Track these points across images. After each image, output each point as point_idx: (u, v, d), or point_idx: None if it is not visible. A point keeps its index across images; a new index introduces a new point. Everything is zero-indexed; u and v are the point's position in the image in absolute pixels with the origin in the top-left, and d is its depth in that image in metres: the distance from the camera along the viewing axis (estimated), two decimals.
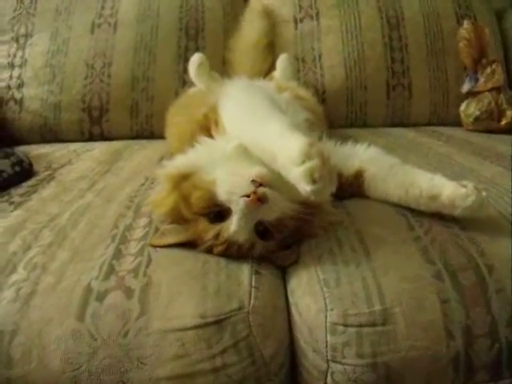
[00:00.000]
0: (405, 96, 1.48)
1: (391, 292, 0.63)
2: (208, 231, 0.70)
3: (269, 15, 1.51)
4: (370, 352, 0.60)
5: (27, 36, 1.52)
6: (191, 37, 1.49)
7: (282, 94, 1.02)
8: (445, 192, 0.72)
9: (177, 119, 1.15)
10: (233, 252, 0.70)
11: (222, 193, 0.69)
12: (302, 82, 1.45)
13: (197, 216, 0.72)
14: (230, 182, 0.70)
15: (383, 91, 1.47)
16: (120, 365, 0.59)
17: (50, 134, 1.46)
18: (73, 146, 1.35)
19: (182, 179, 0.75)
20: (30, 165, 1.13)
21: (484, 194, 0.71)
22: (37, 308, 0.63)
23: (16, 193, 0.99)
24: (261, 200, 0.67)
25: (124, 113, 1.44)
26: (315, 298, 0.65)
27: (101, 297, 0.64)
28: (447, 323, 0.61)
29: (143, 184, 0.99)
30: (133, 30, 1.48)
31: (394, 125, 1.49)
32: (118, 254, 0.72)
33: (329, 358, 0.62)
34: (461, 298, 0.63)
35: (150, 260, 0.70)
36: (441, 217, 0.75)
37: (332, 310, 0.62)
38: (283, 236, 0.71)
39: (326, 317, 0.62)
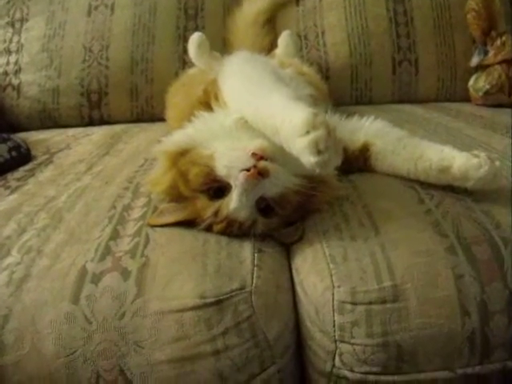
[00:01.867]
0: (411, 72, 1.43)
1: (402, 267, 0.59)
2: (207, 208, 0.67)
3: None
4: (380, 331, 0.57)
5: (23, 20, 1.50)
6: (190, 16, 1.45)
7: (285, 70, 0.98)
8: (456, 163, 0.68)
9: (176, 99, 1.12)
10: (233, 230, 0.67)
11: (221, 167, 0.66)
12: (305, 59, 1.40)
13: (195, 193, 0.69)
14: (229, 156, 0.66)
15: (389, 67, 1.42)
16: (116, 349, 0.56)
17: (49, 120, 1.44)
18: (72, 131, 1.33)
19: (180, 155, 0.72)
20: (28, 150, 1.10)
21: (497, 163, 0.67)
22: (30, 292, 0.61)
23: (12, 177, 0.97)
24: (262, 174, 0.63)
25: (123, 96, 1.42)
26: (321, 276, 0.61)
27: (96, 279, 0.61)
28: (462, 299, 0.57)
29: (142, 165, 0.96)
30: (130, 11, 1.44)
31: (400, 101, 1.44)
32: (115, 235, 0.69)
33: (337, 338, 0.58)
34: (476, 272, 0.59)
35: (147, 240, 0.67)
36: (452, 189, 0.72)
37: (339, 287, 0.59)
38: (286, 212, 0.68)
39: (332, 295, 0.59)
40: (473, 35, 1.41)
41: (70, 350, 0.56)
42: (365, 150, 0.80)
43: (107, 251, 0.66)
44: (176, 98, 1.14)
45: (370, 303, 0.57)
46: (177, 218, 0.71)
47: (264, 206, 0.66)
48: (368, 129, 0.83)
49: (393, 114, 1.27)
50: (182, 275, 0.60)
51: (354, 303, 0.58)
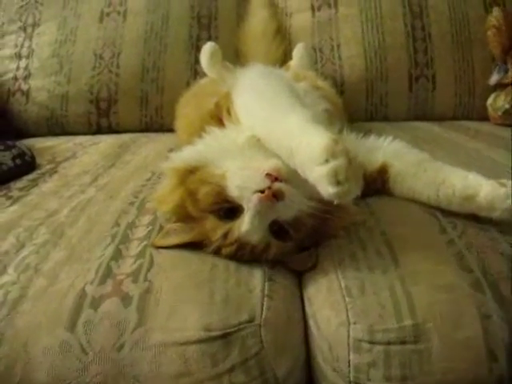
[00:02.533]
0: (428, 88, 1.39)
1: (423, 304, 0.55)
2: (217, 230, 0.63)
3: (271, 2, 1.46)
4: (399, 374, 0.52)
5: (34, 25, 1.49)
6: (203, 26, 1.43)
7: (300, 83, 0.94)
8: (482, 192, 0.65)
9: (187, 110, 1.08)
10: (244, 254, 0.63)
11: (233, 188, 0.62)
12: (320, 73, 1.37)
13: (205, 213, 0.66)
14: (241, 176, 0.63)
15: (405, 83, 1.39)
16: (113, 383, 0.52)
17: (57, 127, 1.42)
18: (79, 139, 1.30)
19: (189, 173, 0.68)
20: (33, 158, 1.08)
21: None
22: (25, 314, 0.57)
23: (15, 187, 0.94)
24: (276, 196, 0.60)
25: (133, 104, 1.39)
26: (336, 310, 0.57)
27: (95, 304, 0.57)
28: (488, 342, 0.52)
29: (149, 179, 0.92)
30: (143, 19, 1.42)
31: (416, 118, 1.41)
32: (117, 255, 0.66)
33: (351, 379, 0.54)
34: (503, 312, 0.54)
35: (151, 262, 0.64)
36: (475, 218, 0.67)
37: (355, 323, 0.54)
38: (300, 236, 0.64)
39: (348, 331, 0.54)
40: (492, 52, 1.37)
41: (64, 381, 0.52)
42: (383, 171, 0.76)
43: (108, 273, 0.62)
44: (186, 108, 1.10)
45: (389, 343, 0.53)
46: (183, 239, 0.67)
47: (277, 229, 0.63)
48: (386, 149, 0.79)
49: (409, 131, 1.23)
50: (187, 304, 0.56)
51: (371, 342, 0.53)
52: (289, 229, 0.63)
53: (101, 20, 1.43)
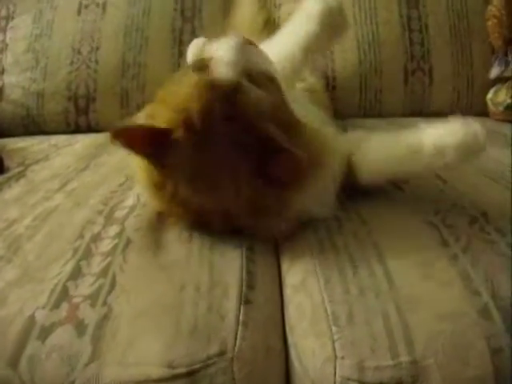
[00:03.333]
0: (425, 82, 1.32)
1: (423, 336, 0.47)
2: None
3: None
4: None
5: (8, 18, 1.41)
6: (187, 18, 1.34)
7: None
8: (429, 138, 0.62)
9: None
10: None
11: None
12: (310, 68, 1.29)
13: None
14: None
15: (400, 77, 1.31)
16: None
17: (33, 126, 1.33)
18: (55, 139, 1.22)
19: None
20: (1, 160, 1.00)
21: (476, 125, 0.60)
22: None
23: None
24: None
25: (113, 102, 1.31)
26: (321, 340, 0.49)
27: (45, 333, 0.50)
28: (500, 381, 0.45)
29: (122, 184, 0.84)
30: (123, 11, 1.34)
31: (412, 114, 1.33)
32: (76, 273, 0.58)
33: None
34: None
35: (113, 283, 0.56)
36: (480, 228, 0.60)
37: (343, 358, 0.47)
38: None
39: (334, 368, 0.46)
40: (493, 44, 1.30)
41: None
42: (350, 164, 0.71)
43: (64, 295, 0.55)
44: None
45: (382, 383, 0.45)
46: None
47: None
48: (351, 140, 0.74)
49: (404, 128, 1.15)
50: (149, 334, 0.49)
51: (361, 382, 0.45)
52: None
53: (79, 12, 1.35)
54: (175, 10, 1.35)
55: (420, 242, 0.58)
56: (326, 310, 0.51)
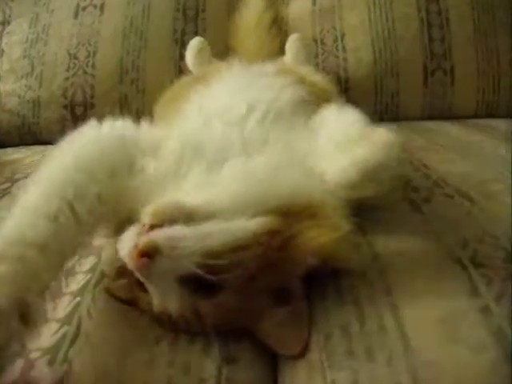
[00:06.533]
0: (446, 82, 1.24)
1: None
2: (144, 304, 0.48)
3: None
4: None
5: (4, 23, 1.37)
6: (189, 18, 1.29)
7: (277, 78, 0.77)
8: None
9: (165, 113, 0.93)
10: (185, 326, 0.46)
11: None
12: (321, 68, 1.23)
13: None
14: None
15: (419, 77, 1.23)
16: None
17: (29, 136, 1.28)
18: (50, 151, 1.14)
19: None
20: None
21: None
22: None
23: None
24: (147, 254, 0.43)
25: (111, 109, 1.21)
26: None
27: None
28: None
29: None
30: (121, 12, 1.28)
31: (431, 117, 1.25)
32: None
33: None
34: None
35: (77, 332, 0.48)
36: None
37: None
38: (244, 279, 0.45)
39: None
40: None
41: None
42: None
43: (20, 349, 0.47)
44: (164, 111, 0.97)
45: None
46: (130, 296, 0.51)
47: (200, 284, 0.45)
48: None
49: (423, 133, 1.07)
50: None
51: None
52: (209, 278, 0.44)
53: (76, 15, 1.30)
54: (177, 9, 1.29)
55: (443, 286, 0.47)
56: (324, 377, 0.42)
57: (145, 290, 0.47)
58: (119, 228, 0.51)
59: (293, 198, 0.48)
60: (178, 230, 0.45)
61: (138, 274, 0.45)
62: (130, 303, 0.51)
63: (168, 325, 0.47)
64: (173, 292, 0.45)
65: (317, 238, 0.45)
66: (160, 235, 0.44)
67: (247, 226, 0.45)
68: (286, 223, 0.46)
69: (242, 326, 0.47)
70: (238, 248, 0.44)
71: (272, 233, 0.45)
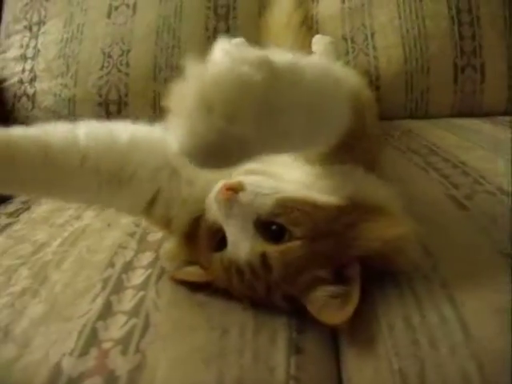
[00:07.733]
0: (476, 80, 1.22)
1: None
2: (216, 265, 0.52)
3: None
4: None
5: (40, 23, 1.37)
6: (221, 16, 1.29)
7: None
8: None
9: None
10: (248, 281, 0.49)
11: (208, 209, 0.53)
12: (352, 66, 1.22)
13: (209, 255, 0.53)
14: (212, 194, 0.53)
15: (450, 75, 1.22)
16: None
17: None
18: None
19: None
20: None
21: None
22: None
23: (5, 211, 0.83)
24: (233, 188, 0.50)
25: (145, 106, 1.26)
26: None
27: None
28: None
29: None
30: (154, 11, 1.29)
31: (462, 115, 1.24)
32: (106, 311, 0.53)
33: None
34: None
35: (146, 324, 0.50)
36: None
37: None
38: (307, 231, 0.48)
39: None
40: None
41: None
42: None
43: (93, 338, 0.49)
44: None
45: None
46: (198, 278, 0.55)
47: (271, 231, 0.49)
48: None
49: (454, 131, 1.07)
50: None
51: None
52: (283, 223, 0.49)
53: (109, 15, 1.31)
54: (208, 7, 1.29)
55: (497, 280, 0.49)
56: (390, 367, 0.43)
57: (216, 249, 0.51)
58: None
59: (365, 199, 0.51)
60: (264, 179, 0.52)
61: (221, 211, 0.50)
62: (200, 286, 0.54)
63: (235, 281, 0.50)
64: (247, 232, 0.49)
65: (385, 228, 0.48)
66: (247, 178, 0.51)
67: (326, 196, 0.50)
68: (358, 212, 0.49)
69: (297, 291, 0.49)
70: (315, 207, 0.49)
71: (346, 211, 0.49)
